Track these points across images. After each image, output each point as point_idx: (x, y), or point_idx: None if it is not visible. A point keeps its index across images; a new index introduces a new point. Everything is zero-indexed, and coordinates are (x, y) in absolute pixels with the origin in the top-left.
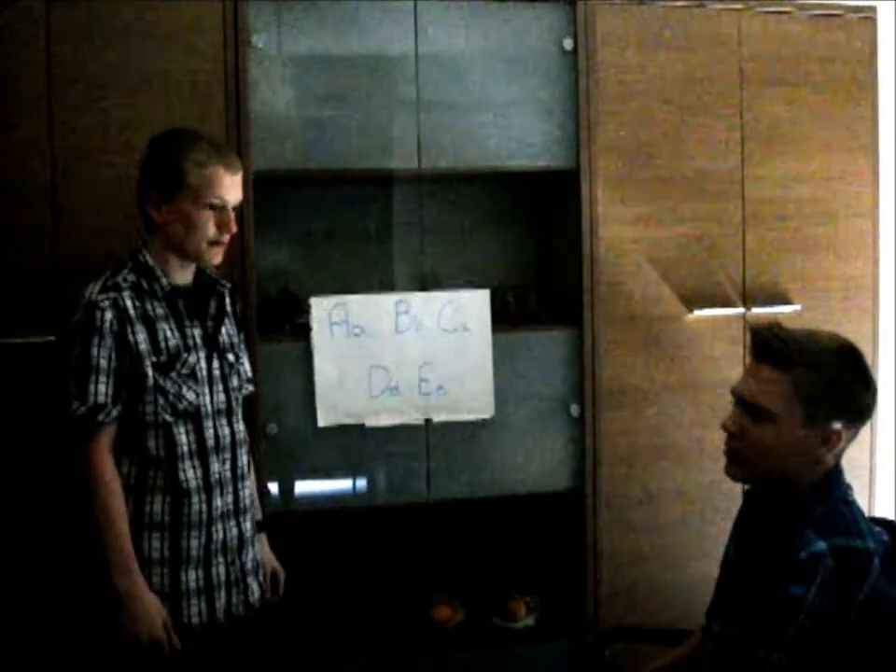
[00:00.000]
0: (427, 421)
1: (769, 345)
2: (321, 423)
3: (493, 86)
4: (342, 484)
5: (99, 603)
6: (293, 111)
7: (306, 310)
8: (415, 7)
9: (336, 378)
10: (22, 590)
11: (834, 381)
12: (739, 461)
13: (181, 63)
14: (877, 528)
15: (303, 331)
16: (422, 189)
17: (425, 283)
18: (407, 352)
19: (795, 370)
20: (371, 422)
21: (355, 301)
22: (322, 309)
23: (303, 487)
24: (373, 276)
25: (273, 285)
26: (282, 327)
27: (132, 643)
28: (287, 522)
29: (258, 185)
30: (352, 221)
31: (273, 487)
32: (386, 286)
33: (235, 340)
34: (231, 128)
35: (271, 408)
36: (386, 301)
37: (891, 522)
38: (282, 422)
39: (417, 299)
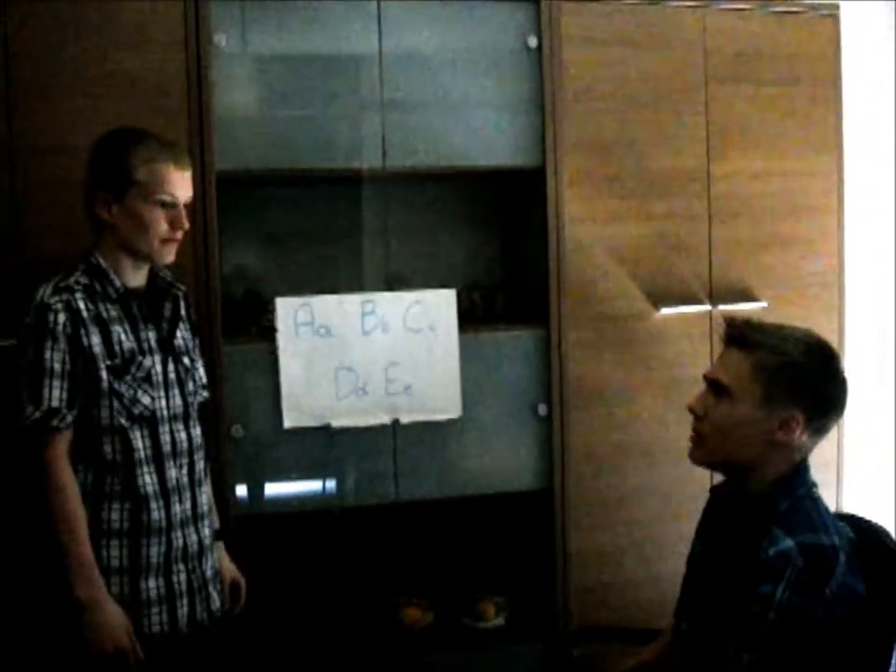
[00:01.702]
0: (395, 422)
1: (735, 330)
2: (287, 424)
3: (457, 84)
4: (309, 486)
5: (59, 613)
6: (256, 111)
7: (271, 311)
8: (379, 6)
9: (302, 379)
10: None
11: (795, 366)
12: (701, 442)
13: (142, 62)
14: (841, 524)
15: (269, 332)
16: (387, 189)
17: (391, 283)
18: (373, 352)
19: (757, 351)
20: (337, 423)
21: (320, 301)
22: (288, 310)
23: (271, 489)
24: (339, 276)
25: (239, 286)
26: (247, 328)
27: (95, 654)
28: (254, 524)
29: (221, 185)
30: (317, 221)
31: (241, 490)
32: (352, 286)
33: (190, 344)
34: (194, 128)
35: (236, 410)
36: (352, 301)
37: (852, 516)
38: (248, 424)
39: (383, 299)
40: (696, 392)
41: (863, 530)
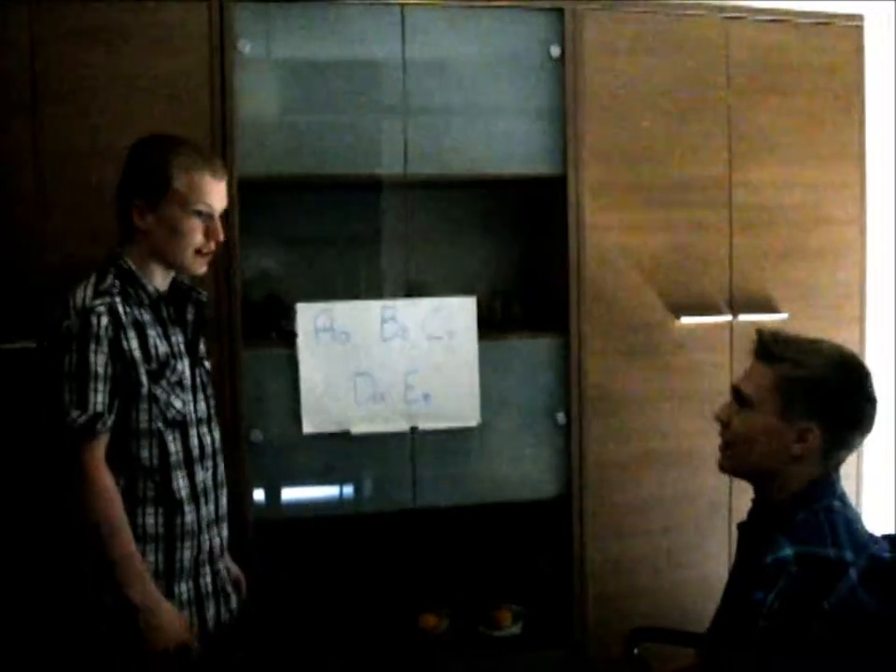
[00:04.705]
0: (413, 429)
1: (763, 343)
2: (306, 430)
3: (480, 92)
4: (327, 492)
5: (113, 616)
6: (279, 116)
7: (292, 316)
8: (402, 12)
9: (321, 385)
10: (22, 601)
11: (816, 380)
12: (726, 451)
13: (166, 67)
14: (880, 542)
15: (289, 338)
16: (408, 195)
17: (411, 289)
18: (393, 359)
19: (781, 364)
20: (356, 429)
21: (340, 307)
22: (307, 315)
23: (288, 494)
24: (359, 282)
25: (259, 291)
26: (267, 333)
27: (158, 653)
28: (272, 529)
29: (243, 190)
30: (338, 227)
31: (258, 494)
32: (372, 292)
33: (204, 348)
34: (217, 133)
35: (255, 415)
36: (372, 307)
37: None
38: (267, 429)
39: (403, 305)
40: (719, 405)
41: None
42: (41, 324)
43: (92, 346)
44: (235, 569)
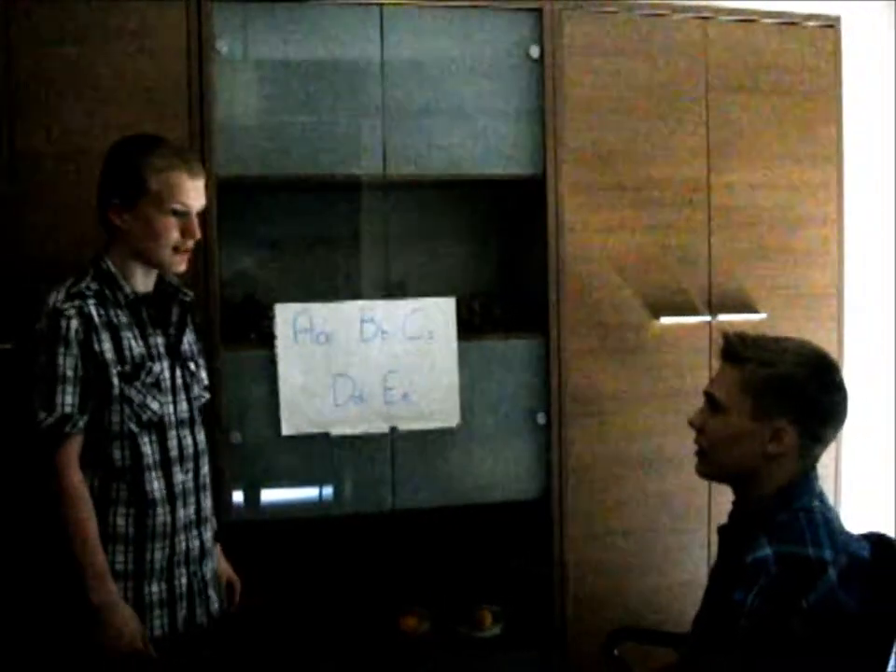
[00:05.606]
0: (393, 429)
1: (728, 345)
2: (285, 431)
3: (459, 93)
4: (307, 493)
5: (74, 616)
6: (258, 117)
7: (270, 317)
8: (381, 13)
9: (300, 386)
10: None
11: (781, 377)
12: (703, 456)
13: (143, 67)
14: (859, 542)
15: (268, 339)
16: (388, 196)
17: (390, 290)
18: (372, 360)
19: (748, 365)
20: (335, 430)
21: (319, 308)
22: (286, 316)
23: (268, 496)
24: (339, 283)
25: (238, 292)
26: (246, 334)
27: (109, 654)
28: (252, 531)
29: (222, 191)
30: (317, 228)
31: (238, 496)
32: (352, 293)
33: (195, 348)
34: (195, 134)
35: (235, 416)
36: (351, 308)
37: (881, 535)
38: (246, 430)
39: (382, 306)
40: (697, 406)
41: (885, 548)
42: (19, 326)
43: (61, 349)
44: (228, 572)
